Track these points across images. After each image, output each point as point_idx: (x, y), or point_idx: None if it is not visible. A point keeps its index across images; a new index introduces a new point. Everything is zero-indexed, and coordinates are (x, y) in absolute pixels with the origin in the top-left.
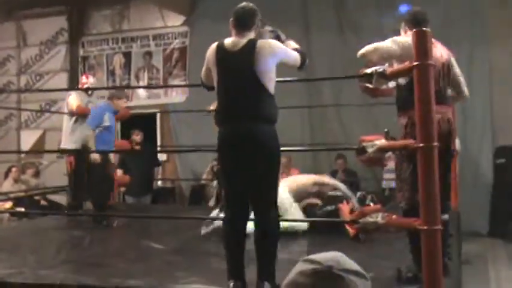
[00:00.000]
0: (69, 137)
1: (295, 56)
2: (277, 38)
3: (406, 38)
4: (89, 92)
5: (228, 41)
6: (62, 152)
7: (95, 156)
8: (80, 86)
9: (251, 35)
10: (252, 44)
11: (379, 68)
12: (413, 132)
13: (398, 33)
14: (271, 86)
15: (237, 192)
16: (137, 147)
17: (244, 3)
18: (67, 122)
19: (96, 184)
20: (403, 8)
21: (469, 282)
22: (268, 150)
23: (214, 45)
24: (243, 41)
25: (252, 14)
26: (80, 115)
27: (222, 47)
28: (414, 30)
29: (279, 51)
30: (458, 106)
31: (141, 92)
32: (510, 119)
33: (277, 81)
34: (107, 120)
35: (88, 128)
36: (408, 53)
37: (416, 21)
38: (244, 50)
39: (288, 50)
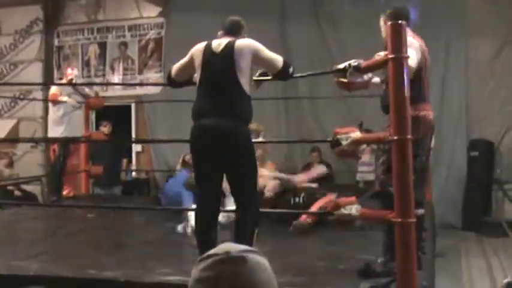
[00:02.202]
0: (56, 126)
1: (277, 57)
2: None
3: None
4: (73, 82)
5: (215, 42)
6: (49, 140)
7: None
8: (64, 77)
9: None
10: (231, 44)
11: (353, 62)
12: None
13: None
14: (247, 87)
15: (207, 185)
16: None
17: (232, 16)
18: (53, 111)
19: None
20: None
21: (442, 274)
22: (239, 145)
23: (203, 44)
24: (225, 42)
25: (237, 23)
26: (52, 102)
27: (209, 47)
28: (390, 23)
29: (256, 47)
30: (434, 98)
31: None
32: (485, 112)
33: (258, 77)
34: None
35: (80, 117)
36: None
37: (399, 17)
38: (224, 50)
39: (268, 51)
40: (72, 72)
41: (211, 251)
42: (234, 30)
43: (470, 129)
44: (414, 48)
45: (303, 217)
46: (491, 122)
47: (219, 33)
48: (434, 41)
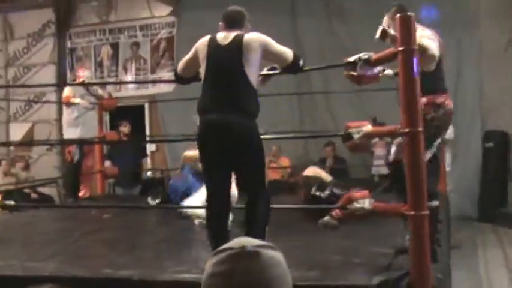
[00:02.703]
0: (70, 128)
1: (286, 50)
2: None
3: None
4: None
5: (220, 35)
6: (65, 142)
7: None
8: (76, 79)
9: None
10: (239, 37)
11: (363, 55)
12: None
13: None
14: (255, 81)
15: (217, 183)
16: (125, 139)
17: (232, 6)
18: (67, 113)
19: None
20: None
21: (458, 266)
22: (247, 141)
23: (206, 37)
24: (232, 34)
25: (240, 13)
26: (65, 105)
27: (214, 40)
28: (398, 15)
29: (265, 40)
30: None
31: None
32: (499, 103)
33: (267, 72)
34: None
35: (91, 118)
36: None
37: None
38: (232, 43)
39: (278, 44)
40: (83, 74)
41: (227, 245)
42: (238, 22)
43: (484, 121)
44: (433, 40)
45: (335, 212)
46: (505, 112)
47: (220, 24)
48: (447, 32)
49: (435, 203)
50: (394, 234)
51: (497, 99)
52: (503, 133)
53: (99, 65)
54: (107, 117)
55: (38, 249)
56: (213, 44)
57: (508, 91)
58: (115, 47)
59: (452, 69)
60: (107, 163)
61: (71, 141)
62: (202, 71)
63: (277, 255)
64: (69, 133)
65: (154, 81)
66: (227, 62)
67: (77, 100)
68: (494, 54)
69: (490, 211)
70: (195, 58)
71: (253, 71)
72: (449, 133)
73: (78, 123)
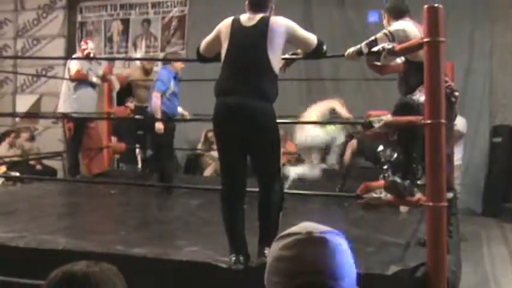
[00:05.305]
0: (68, 102)
1: (311, 35)
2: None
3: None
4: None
5: (244, 16)
6: (63, 116)
7: (159, 126)
8: (79, 52)
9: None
10: (265, 20)
11: (387, 45)
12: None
13: None
14: (276, 66)
15: (232, 166)
16: (131, 115)
17: None
18: (66, 87)
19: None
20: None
21: (464, 260)
22: (264, 126)
23: (230, 18)
24: (257, 17)
25: None
26: (78, 80)
27: (238, 21)
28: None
29: (292, 25)
30: (459, 84)
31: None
32: (508, 98)
33: (289, 56)
34: (172, 86)
35: (89, 94)
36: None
37: (398, 11)
38: (257, 26)
39: (302, 29)
40: (87, 46)
41: (293, 229)
42: (263, 4)
43: (493, 115)
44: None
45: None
46: None
47: (247, 8)
48: (458, 26)
49: (449, 195)
50: (403, 223)
51: (506, 94)
52: (511, 128)
53: (109, 40)
54: (114, 93)
55: (48, 223)
56: (236, 25)
57: None
58: (126, 23)
59: (463, 64)
60: (113, 139)
61: (71, 118)
62: (223, 51)
63: (343, 242)
64: (65, 108)
65: (163, 59)
66: (250, 44)
67: (94, 79)
68: (505, 49)
69: (494, 206)
70: (216, 39)
71: (276, 56)
72: (463, 126)
73: (75, 99)
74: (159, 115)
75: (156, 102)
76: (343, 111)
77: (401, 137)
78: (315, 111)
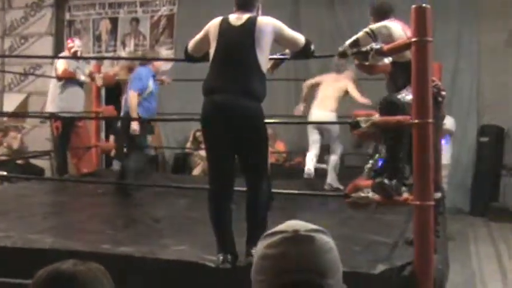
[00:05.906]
0: (55, 101)
1: (298, 35)
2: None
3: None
4: (78, 55)
5: (232, 16)
6: (51, 116)
7: (134, 127)
8: (66, 50)
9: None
10: (252, 20)
11: (375, 45)
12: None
13: None
14: (264, 66)
15: (220, 165)
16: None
17: None
18: (54, 86)
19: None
20: None
21: (451, 259)
22: (252, 125)
23: (218, 18)
24: (245, 16)
25: None
26: (66, 78)
27: (227, 21)
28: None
29: (279, 25)
30: (446, 84)
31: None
32: (496, 98)
33: (278, 57)
34: (151, 85)
35: (76, 93)
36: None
37: (382, 12)
38: (245, 25)
39: (289, 29)
40: (73, 44)
41: (279, 228)
42: (250, 4)
43: (480, 115)
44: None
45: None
46: (502, 107)
47: (234, 8)
48: (446, 25)
49: (437, 195)
50: (390, 223)
51: (494, 94)
52: (498, 128)
53: (98, 39)
54: (103, 92)
55: (35, 222)
56: (225, 25)
57: (505, 87)
58: (114, 21)
59: (450, 64)
60: (111, 138)
61: (59, 117)
62: (211, 50)
63: (330, 241)
64: (53, 107)
65: (152, 59)
66: (238, 43)
67: (82, 77)
68: (493, 50)
69: (482, 205)
70: (205, 38)
71: (264, 55)
72: (452, 125)
73: (63, 98)
74: (135, 114)
75: (132, 100)
76: (356, 93)
77: (386, 136)
78: (330, 90)
